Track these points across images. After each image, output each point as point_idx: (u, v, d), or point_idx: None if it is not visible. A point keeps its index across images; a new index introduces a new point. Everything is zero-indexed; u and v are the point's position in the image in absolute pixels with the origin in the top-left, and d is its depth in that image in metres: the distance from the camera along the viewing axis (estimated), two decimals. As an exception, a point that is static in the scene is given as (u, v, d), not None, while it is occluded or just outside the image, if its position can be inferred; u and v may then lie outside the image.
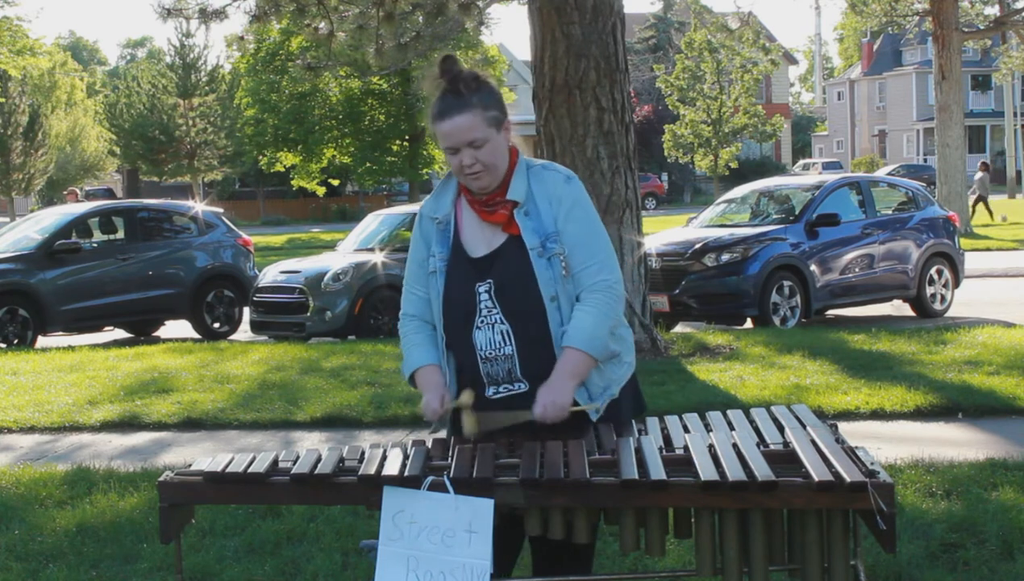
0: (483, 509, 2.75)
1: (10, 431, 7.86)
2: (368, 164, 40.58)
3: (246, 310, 13.61)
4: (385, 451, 3.00)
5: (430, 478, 2.79)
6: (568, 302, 3.05)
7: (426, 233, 3.18)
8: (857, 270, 12.52)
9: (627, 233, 9.43)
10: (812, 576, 2.76)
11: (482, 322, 3.06)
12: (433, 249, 3.14)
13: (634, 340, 3.30)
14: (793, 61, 76.84)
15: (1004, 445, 6.32)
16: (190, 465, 3.00)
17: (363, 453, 3.01)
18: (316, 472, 2.86)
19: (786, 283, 11.95)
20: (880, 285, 12.78)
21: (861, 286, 12.61)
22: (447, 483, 2.77)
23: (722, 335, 10.62)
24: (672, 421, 3.18)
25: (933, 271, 13.05)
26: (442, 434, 3.18)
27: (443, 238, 3.13)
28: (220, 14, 10.54)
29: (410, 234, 13.34)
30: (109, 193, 53.53)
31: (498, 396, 3.07)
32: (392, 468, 2.85)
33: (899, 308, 13.69)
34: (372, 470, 2.85)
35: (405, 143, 41.23)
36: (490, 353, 3.06)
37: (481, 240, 3.10)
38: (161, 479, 2.93)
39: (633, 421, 3.17)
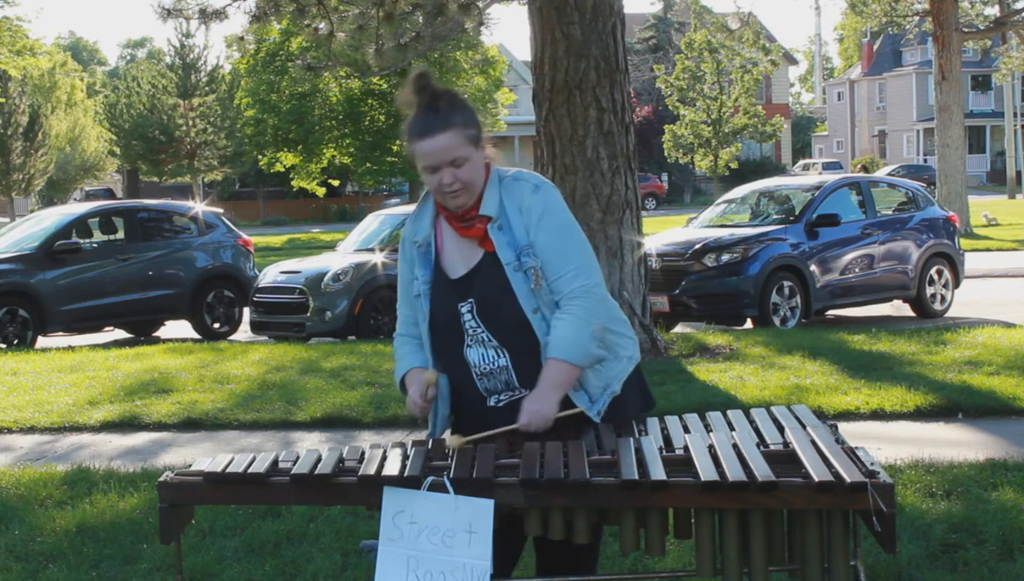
0: (483, 509, 2.75)
1: (10, 431, 7.86)
2: (368, 164, 40.58)
3: (246, 310, 13.62)
4: (385, 451, 3.00)
5: (430, 478, 2.79)
6: (551, 311, 3.05)
7: (408, 257, 3.20)
8: (857, 270, 12.52)
9: (627, 233, 9.43)
10: (812, 576, 2.76)
11: (472, 340, 3.08)
12: (416, 272, 3.15)
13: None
14: (793, 61, 76.82)
15: (1004, 445, 6.32)
16: (190, 465, 3.00)
17: (363, 453, 3.01)
18: (316, 472, 2.85)
19: (786, 283, 11.96)
20: (880, 285, 12.79)
21: (861, 286, 12.61)
22: (447, 483, 2.77)
23: (722, 335, 10.62)
24: (672, 421, 3.18)
25: (933, 271, 13.06)
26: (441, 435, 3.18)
27: (425, 261, 3.14)
28: (220, 14, 10.53)
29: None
30: (109, 193, 53.58)
31: (501, 403, 3.09)
32: (392, 468, 2.85)
33: (899, 308, 13.69)
34: (372, 470, 2.85)
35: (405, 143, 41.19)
36: (485, 368, 3.08)
37: (459, 259, 3.11)
38: (161, 479, 2.92)
39: (635, 420, 3.16)
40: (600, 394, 3.08)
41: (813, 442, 2.93)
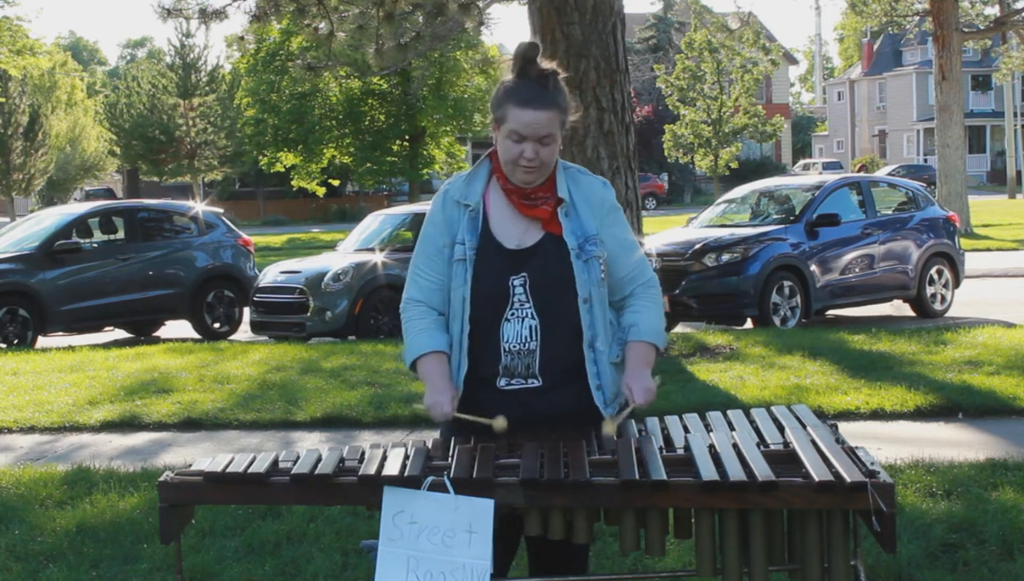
0: (483, 509, 2.75)
1: (10, 431, 7.87)
2: (368, 164, 40.59)
3: (246, 310, 13.62)
4: (385, 451, 3.00)
5: (430, 478, 2.79)
6: (599, 305, 3.08)
7: (451, 218, 3.12)
8: (857, 270, 12.52)
9: (627, 233, 9.42)
10: (812, 576, 2.76)
11: (513, 315, 3.06)
12: (461, 236, 3.08)
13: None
14: (793, 61, 76.81)
15: (1004, 445, 6.32)
16: (190, 465, 3.00)
17: (363, 453, 3.00)
18: (316, 472, 2.85)
19: (786, 283, 11.96)
20: (880, 285, 12.79)
21: (861, 286, 12.61)
22: (447, 483, 2.77)
23: (722, 335, 10.62)
24: (672, 421, 3.18)
25: (933, 271, 13.06)
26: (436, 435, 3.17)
27: (472, 226, 3.09)
28: (220, 14, 10.53)
29: (410, 234, 13.21)
30: (109, 193, 53.55)
31: (509, 388, 3.07)
32: (392, 468, 2.85)
33: (899, 308, 13.69)
34: (372, 470, 2.84)
35: (405, 143, 41.23)
36: (515, 346, 3.06)
37: (513, 232, 3.09)
38: (161, 479, 2.92)
39: (633, 421, 3.17)
40: (613, 399, 3.11)
41: (813, 442, 2.93)
